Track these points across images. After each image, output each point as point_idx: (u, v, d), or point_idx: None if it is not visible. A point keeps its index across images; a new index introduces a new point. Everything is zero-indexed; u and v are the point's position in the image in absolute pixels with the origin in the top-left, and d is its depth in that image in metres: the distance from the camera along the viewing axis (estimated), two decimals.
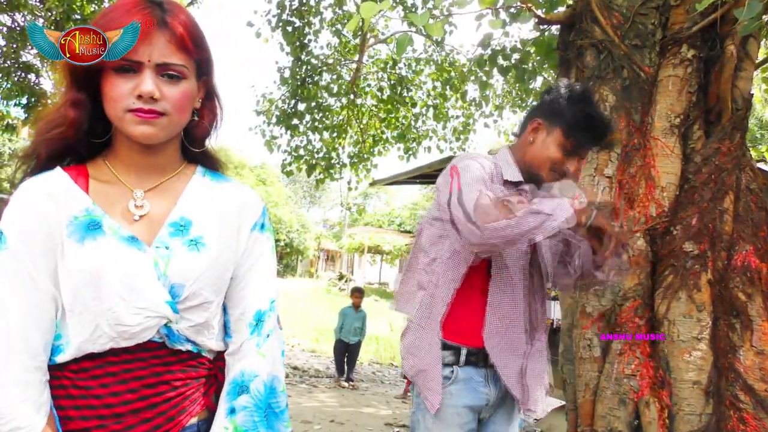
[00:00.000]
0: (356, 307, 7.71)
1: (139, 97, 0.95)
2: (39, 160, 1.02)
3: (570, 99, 1.77)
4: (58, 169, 1.02)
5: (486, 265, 1.83)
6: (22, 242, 0.95)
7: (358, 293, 7.92)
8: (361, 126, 9.05)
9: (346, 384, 7.30)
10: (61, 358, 0.97)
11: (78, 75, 0.98)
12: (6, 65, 6.61)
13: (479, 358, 1.83)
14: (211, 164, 1.14)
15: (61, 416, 0.97)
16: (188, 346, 1.03)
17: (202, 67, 1.04)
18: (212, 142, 1.14)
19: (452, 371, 1.82)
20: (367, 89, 9.11)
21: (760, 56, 2.98)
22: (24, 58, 6.76)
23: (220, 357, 1.10)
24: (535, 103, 2.11)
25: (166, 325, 1.00)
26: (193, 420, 1.05)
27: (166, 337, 1.01)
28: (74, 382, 0.97)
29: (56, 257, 0.96)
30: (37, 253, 0.95)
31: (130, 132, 0.97)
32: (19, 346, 0.93)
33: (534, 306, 1.90)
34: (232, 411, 1.05)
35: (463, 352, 1.81)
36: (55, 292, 0.96)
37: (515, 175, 1.82)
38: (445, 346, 1.82)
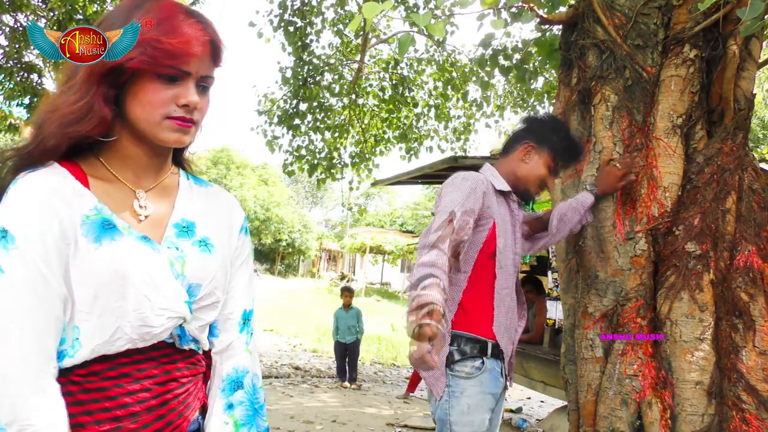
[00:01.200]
0: (346, 306, 7.67)
1: (184, 106, 0.97)
2: (49, 155, 0.97)
3: (556, 129, 2.19)
4: (57, 165, 0.98)
5: (492, 265, 2.08)
6: (33, 242, 0.90)
7: (347, 292, 7.89)
8: (363, 126, 9.06)
9: (348, 384, 7.29)
10: (67, 363, 0.94)
11: (119, 73, 0.95)
12: (8, 65, 6.62)
13: (498, 351, 2.08)
14: (189, 168, 1.17)
15: (72, 424, 0.93)
16: (192, 345, 1.05)
17: None
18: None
19: (482, 362, 2.04)
20: (369, 89, 9.12)
21: (763, 56, 2.98)
22: (26, 59, 6.77)
23: (207, 355, 1.13)
24: (528, 114, 2.41)
25: (180, 325, 1.01)
26: (196, 415, 1.08)
27: (178, 338, 1.02)
28: (83, 387, 0.95)
29: (68, 257, 0.92)
30: (50, 253, 0.91)
31: (163, 137, 0.99)
32: (35, 352, 0.89)
33: (520, 295, 2.22)
34: (230, 406, 1.10)
35: (490, 345, 2.06)
36: (66, 293, 0.93)
37: (504, 186, 2.14)
38: (473, 340, 2.05)
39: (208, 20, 1.01)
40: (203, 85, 1.01)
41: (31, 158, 0.97)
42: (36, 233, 0.90)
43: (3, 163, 1.00)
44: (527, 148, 2.16)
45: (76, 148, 1.00)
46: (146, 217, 1.02)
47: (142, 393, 0.98)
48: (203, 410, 1.11)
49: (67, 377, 0.94)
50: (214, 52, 1.01)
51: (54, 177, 0.95)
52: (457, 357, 2.03)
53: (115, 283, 0.93)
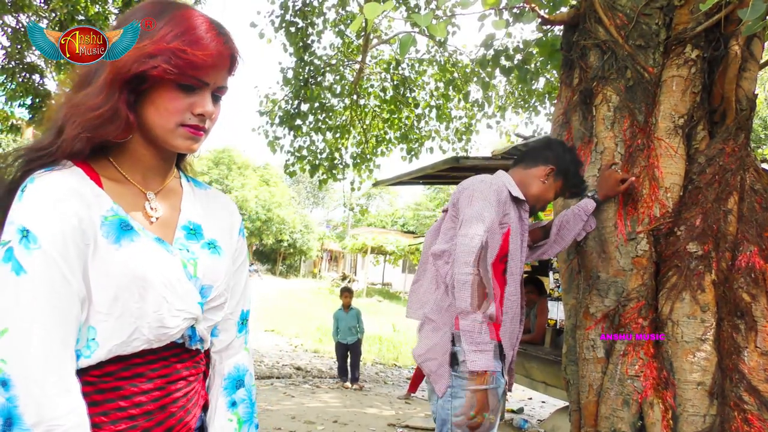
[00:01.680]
0: (346, 307, 7.66)
1: (199, 115, 0.99)
2: (72, 157, 0.98)
3: (575, 163, 2.33)
4: (73, 165, 0.98)
5: (501, 268, 2.15)
6: (54, 241, 0.89)
7: (347, 293, 7.87)
8: (364, 126, 9.06)
9: (349, 385, 7.28)
10: (83, 363, 0.93)
11: (142, 80, 0.96)
12: (11, 66, 6.63)
13: (500, 352, 2.12)
14: (187, 171, 1.19)
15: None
16: (198, 345, 1.07)
17: None
18: None
19: None
20: (370, 90, 9.12)
21: (765, 56, 2.97)
22: (28, 59, 6.78)
23: (206, 354, 1.15)
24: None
25: (191, 326, 1.03)
26: (200, 412, 1.11)
27: (188, 338, 1.04)
28: (98, 387, 0.95)
29: (86, 258, 0.92)
30: (71, 253, 0.90)
31: (176, 144, 1.00)
32: (58, 352, 0.89)
33: (522, 302, 2.27)
34: (233, 404, 1.13)
35: (496, 347, 2.07)
36: (84, 294, 0.92)
37: (520, 194, 2.20)
38: None
39: (228, 32, 1.03)
40: (217, 94, 1.03)
41: (50, 158, 0.97)
42: (57, 233, 0.90)
43: (14, 161, 0.99)
44: (549, 170, 2.27)
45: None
46: (157, 218, 1.04)
47: (155, 392, 0.99)
48: (204, 407, 1.13)
49: (81, 378, 0.94)
50: (231, 64, 1.04)
51: (72, 177, 0.96)
52: (461, 357, 2.05)
53: (136, 284, 0.94)
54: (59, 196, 0.92)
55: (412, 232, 30.06)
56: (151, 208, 1.03)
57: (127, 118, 0.96)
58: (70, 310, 0.90)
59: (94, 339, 0.94)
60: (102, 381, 0.95)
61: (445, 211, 2.29)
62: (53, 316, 0.88)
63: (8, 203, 0.93)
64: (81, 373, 0.94)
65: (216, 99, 1.03)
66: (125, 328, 0.94)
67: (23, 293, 0.87)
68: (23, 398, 0.85)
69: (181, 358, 1.04)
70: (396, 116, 8.90)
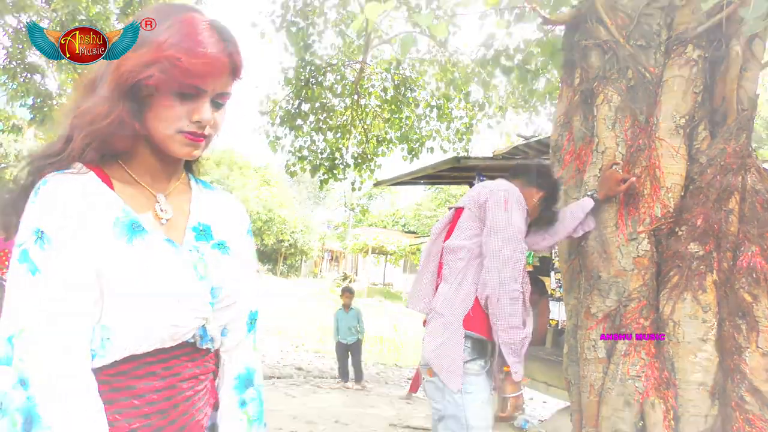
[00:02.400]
0: (346, 307, 7.64)
1: (197, 122, 0.98)
2: (80, 160, 0.99)
3: (555, 200, 2.48)
4: (84, 168, 0.99)
5: None
6: (68, 242, 0.91)
7: (347, 293, 7.85)
8: (365, 126, 9.06)
9: (350, 385, 7.28)
10: (98, 362, 0.94)
11: (140, 89, 0.96)
12: (12, 66, 6.64)
13: (494, 351, 2.20)
14: (196, 172, 1.19)
15: None
16: (209, 344, 1.08)
17: None
18: None
19: (485, 362, 2.19)
20: (371, 90, 9.12)
21: (766, 56, 2.96)
22: (30, 59, 6.79)
23: (215, 353, 1.15)
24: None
25: (202, 325, 1.04)
26: (212, 411, 1.12)
27: (200, 338, 1.04)
28: (112, 386, 0.95)
29: (99, 258, 0.93)
30: (84, 253, 0.92)
31: (175, 150, 1.01)
32: (77, 351, 0.90)
33: None
34: (243, 403, 1.14)
35: (489, 345, 2.19)
36: (98, 294, 0.93)
37: (527, 206, 2.33)
38: (482, 341, 2.17)
39: (230, 36, 1.01)
40: (218, 101, 1.02)
41: (60, 164, 0.98)
42: (71, 233, 0.91)
43: (25, 165, 1.01)
44: (541, 195, 2.42)
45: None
46: (167, 220, 1.05)
47: (168, 390, 1.00)
48: (215, 406, 1.14)
49: (95, 377, 0.94)
50: (233, 69, 1.02)
51: (84, 179, 0.97)
52: (469, 356, 2.15)
53: (149, 284, 0.95)
54: (71, 197, 0.93)
55: (413, 232, 30.04)
56: (161, 210, 1.04)
57: (133, 127, 0.97)
58: (84, 310, 0.91)
59: (108, 338, 0.94)
60: (116, 380, 0.96)
61: (453, 208, 2.33)
62: (69, 315, 0.90)
63: (21, 205, 0.95)
64: (95, 372, 0.94)
65: (218, 105, 1.02)
66: (139, 327, 0.95)
67: (39, 293, 0.88)
68: (42, 397, 0.86)
69: (192, 357, 1.05)
70: (397, 116, 8.89)
